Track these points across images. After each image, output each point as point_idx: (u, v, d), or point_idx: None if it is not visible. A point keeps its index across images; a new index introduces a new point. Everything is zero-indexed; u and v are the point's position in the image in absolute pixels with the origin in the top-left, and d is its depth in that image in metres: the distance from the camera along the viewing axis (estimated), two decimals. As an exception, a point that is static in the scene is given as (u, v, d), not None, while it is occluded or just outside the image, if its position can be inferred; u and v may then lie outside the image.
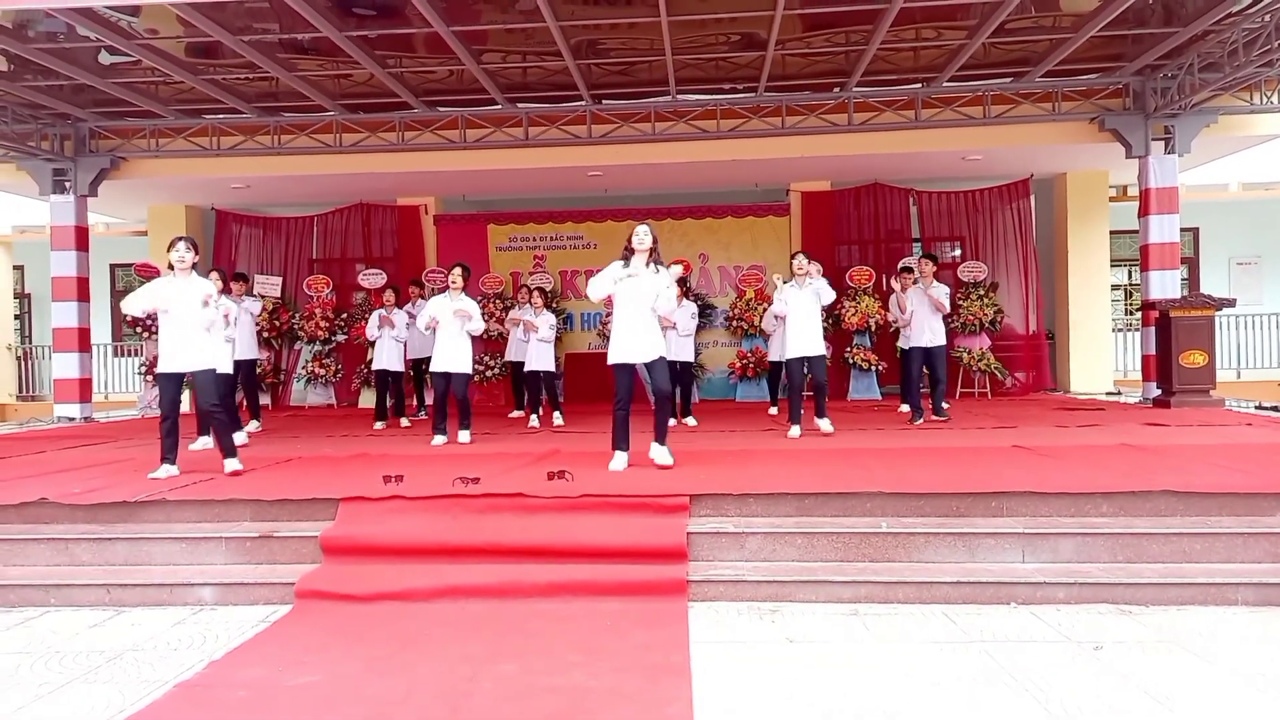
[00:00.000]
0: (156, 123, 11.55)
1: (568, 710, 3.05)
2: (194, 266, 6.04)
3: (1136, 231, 11.23)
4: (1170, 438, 7.21)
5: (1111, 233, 13.22)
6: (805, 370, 7.81)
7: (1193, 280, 14.45)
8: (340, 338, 13.30)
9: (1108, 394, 12.51)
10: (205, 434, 7.46)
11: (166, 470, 5.84)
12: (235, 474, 5.85)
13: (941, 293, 8.82)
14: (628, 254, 5.94)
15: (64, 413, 11.73)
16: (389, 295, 9.86)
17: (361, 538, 4.70)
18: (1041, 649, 3.59)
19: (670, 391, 5.95)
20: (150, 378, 12.46)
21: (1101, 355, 13.14)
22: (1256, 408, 9.97)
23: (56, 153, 11.58)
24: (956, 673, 3.35)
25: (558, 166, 11.85)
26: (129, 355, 15.62)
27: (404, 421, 9.92)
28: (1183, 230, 11.22)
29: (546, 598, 4.18)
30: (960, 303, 12.55)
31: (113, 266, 15.78)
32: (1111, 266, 13.48)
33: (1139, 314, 11.64)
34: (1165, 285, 10.57)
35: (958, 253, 13.55)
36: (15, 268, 16.20)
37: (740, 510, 4.80)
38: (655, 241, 5.97)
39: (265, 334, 12.68)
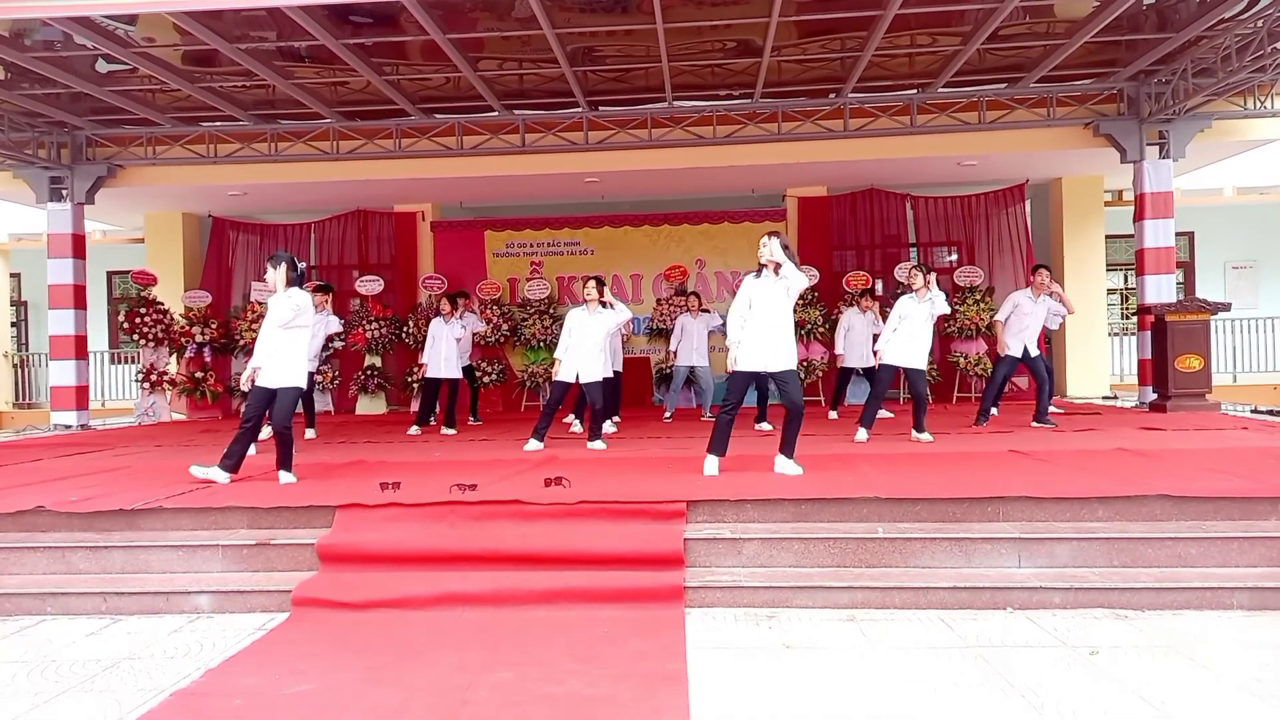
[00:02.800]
0: (153, 130, 11.57)
1: (564, 719, 3.06)
2: (297, 282, 5.98)
3: (1132, 236, 11.27)
4: (1166, 442, 7.23)
5: (1107, 237, 13.25)
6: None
7: (1188, 284, 14.48)
8: (338, 344, 13.29)
9: (1104, 398, 12.54)
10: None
11: (217, 473, 5.77)
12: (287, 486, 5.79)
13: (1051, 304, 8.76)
14: (760, 269, 5.90)
15: (61, 420, 11.72)
16: (445, 304, 9.76)
17: (359, 545, 4.70)
18: (1037, 654, 3.60)
19: (802, 404, 5.87)
20: (147, 385, 12.46)
21: (1098, 359, 13.16)
22: (1252, 412, 9.99)
23: (53, 161, 11.60)
24: (953, 678, 3.36)
25: (554, 173, 11.87)
26: (126, 363, 15.60)
27: (446, 430, 9.58)
28: (1178, 234, 11.23)
29: (543, 605, 4.18)
30: (957, 308, 12.57)
31: (109, 274, 15.79)
32: (1107, 271, 13.51)
33: (1135, 318, 11.67)
34: (1161, 289, 10.61)
35: (954, 257, 13.58)
36: (12, 275, 16.20)
37: (737, 516, 4.82)
38: (784, 248, 5.75)
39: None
